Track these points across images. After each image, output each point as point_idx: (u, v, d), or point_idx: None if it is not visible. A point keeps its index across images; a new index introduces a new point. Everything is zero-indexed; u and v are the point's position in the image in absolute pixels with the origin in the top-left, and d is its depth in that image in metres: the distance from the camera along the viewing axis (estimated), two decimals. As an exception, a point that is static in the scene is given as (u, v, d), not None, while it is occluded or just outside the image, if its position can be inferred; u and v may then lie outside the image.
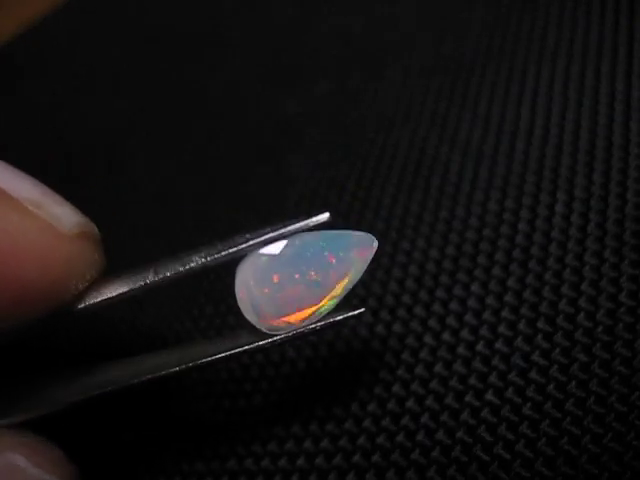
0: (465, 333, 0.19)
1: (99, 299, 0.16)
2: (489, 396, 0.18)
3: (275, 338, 0.16)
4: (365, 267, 0.16)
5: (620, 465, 0.16)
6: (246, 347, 0.16)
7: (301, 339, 0.16)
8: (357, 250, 0.16)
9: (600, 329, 0.18)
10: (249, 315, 0.16)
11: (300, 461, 0.18)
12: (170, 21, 0.36)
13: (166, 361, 0.17)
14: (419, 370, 0.19)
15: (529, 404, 0.17)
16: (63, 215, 0.15)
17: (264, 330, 0.16)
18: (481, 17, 0.28)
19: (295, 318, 0.16)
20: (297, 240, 0.16)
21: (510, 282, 0.19)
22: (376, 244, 0.17)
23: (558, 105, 0.23)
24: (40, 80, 0.35)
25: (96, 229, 0.16)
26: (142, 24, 0.37)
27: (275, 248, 0.16)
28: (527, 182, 0.22)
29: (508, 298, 0.19)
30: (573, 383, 0.17)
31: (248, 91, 0.30)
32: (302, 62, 0.30)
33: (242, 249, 0.16)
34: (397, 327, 0.20)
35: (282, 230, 0.16)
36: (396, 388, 0.19)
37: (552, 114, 0.23)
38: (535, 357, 0.18)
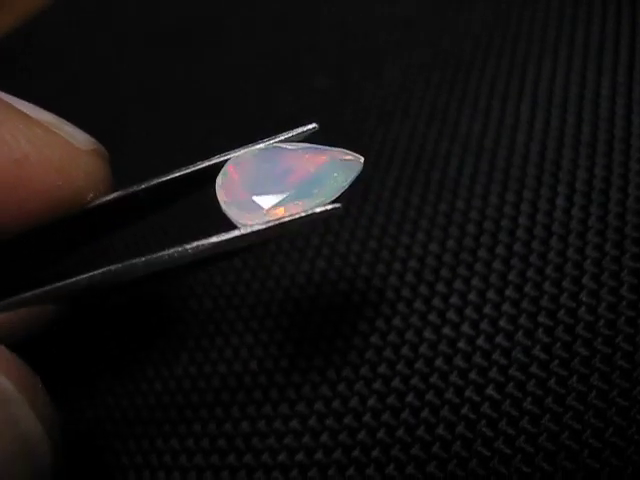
0: (466, 327, 0.19)
1: (99, 201, 0.17)
2: (490, 390, 0.18)
3: (253, 229, 0.15)
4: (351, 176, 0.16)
5: (621, 460, 0.16)
6: (224, 238, 0.15)
7: (277, 230, 0.16)
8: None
9: (601, 323, 0.18)
10: (229, 208, 0.16)
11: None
12: (168, 17, 0.36)
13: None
14: (419, 365, 0.19)
15: (530, 399, 0.17)
16: (78, 134, 0.17)
17: (231, 214, 0.16)
18: (481, 13, 0.28)
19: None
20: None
21: (511, 276, 0.19)
22: (362, 160, 0.16)
23: (559, 99, 0.23)
24: (38, 73, 0.35)
25: (105, 150, 0.18)
26: (140, 20, 0.37)
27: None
28: (528, 175, 0.21)
29: (509, 292, 0.19)
30: (574, 377, 0.17)
31: (246, 87, 0.30)
32: (301, 57, 0.30)
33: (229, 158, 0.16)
34: (397, 321, 0.20)
35: (271, 140, 0.16)
36: (395, 383, 0.19)
37: (553, 107, 0.23)
38: (536, 351, 0.18)
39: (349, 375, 0.19)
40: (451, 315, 0.19)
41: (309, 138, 0.17)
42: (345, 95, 0.27)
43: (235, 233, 0.15)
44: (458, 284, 0.20)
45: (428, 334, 0.19)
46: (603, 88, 0.23)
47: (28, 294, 0.17)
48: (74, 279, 0.16)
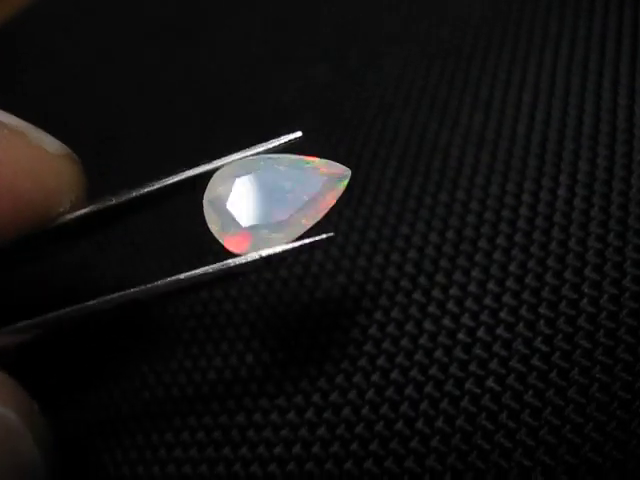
0: (466, 319, 0.18)
1: (76, 214, 0.17)
2: (490, 383, 0.17)
3: (240, 259, 0.15)
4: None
5: (623, 453, 0.16)
6: (206, 269, 0.16)
7: (267, 260, 0.16)
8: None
9: (604, 315, 0.17)
10: (213, 223, 0.16)
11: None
12: (166, 7, 0.36)
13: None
14: (418, 357, 0.18)
15: (531, 391, 0.17)
16: (47, 139, 0.17)
17: (223, 243, 0.16)
18: (482, 3, 0.27)
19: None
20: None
21: (512, 267, 0.19)
22: (348, 173, 0.16)
23: (561, 89, 0.23)
24: (36, 65, 0.35)
25: (77, 157, 0.17)
26: (138, 10, 0.36)
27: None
28: (529, 166, 0.21)
29: (510, 283, 0.19)
30: (576, 370, 0.17)
31: (244, 76, 0.30)
32: (299, 46, 0.29)
33: (216, 168, 0.16)
34: (396, 313, 0.19)
35: (256, 149, 0.16)
36: (394, 375, 0.18)
37: (555, 98, 0.23)
38: (537, 343, 0.17)
39: (347, 368, 0.19)
40: (451, 306, 0.19)
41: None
42: (345, 86, 0.26)
43: (228, 263, 0.15)
44: (458, 275, 0.19)
45: (428, 325, 0.19)
46: (605, 79, 0.22)
47: (23, 323, 0.16)
48: (70, 308, 0.16)
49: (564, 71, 0.23)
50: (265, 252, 0.15)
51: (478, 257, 0.20)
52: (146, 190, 0.17)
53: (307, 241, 0.15)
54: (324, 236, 0.15)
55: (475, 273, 0.19)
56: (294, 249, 0.15)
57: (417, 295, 0.19)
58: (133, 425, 0.20)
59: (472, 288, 0.19)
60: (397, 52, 0.26)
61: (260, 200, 0.16)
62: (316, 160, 0.16)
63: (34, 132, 0.16)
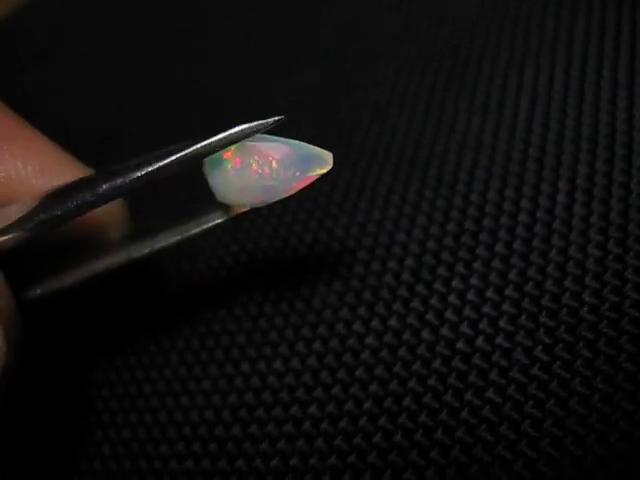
0: (464, 327, 0.18)
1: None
2: (490, 394, 0.17)
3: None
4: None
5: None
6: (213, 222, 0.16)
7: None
8: None
9: (604, 323, 0.17)
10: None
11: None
12: (166, 7, 0.35)
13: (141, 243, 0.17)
14: (416, 367, 0.18)
15: (531, 402, 0.17)
16: None
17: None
18: (478, 6, 0.27)
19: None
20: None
21: (511, 275, 0.19)
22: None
23: (559, 93, 0.22)
24: (36, 61, 0.34)
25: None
26: (138, 10, 0.36)
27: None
28: (528, 170, 0.21)
29: (509, 291, 0.18)
30: (577, 380, 0.17)
31: (238, 80, 0.29)
32: (293, 50, 0.29)
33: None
34: (393, 322, 0.19)
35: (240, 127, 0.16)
36: (392, 386, 0.18)
37: (553, 101, 0.22)
38: (537, 352, 0.17)
39: (344, 378, 0.19)
40: (449, 315, 0.19)
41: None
42: (340, 90, 0.26)
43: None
44: (456, 283, 0.19)
45: (426, 335, 0.18)
46: (604, 81, 0.22)
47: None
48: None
49: (562, 74, 0.23)
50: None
51: (477, 265, 0.19)
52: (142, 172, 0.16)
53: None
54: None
55: (474, 281, 0.19)
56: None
57: (415, 303, 0.19)
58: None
59: (471, 296, 0.19)
60: (394, 54, 0.26)
61: None
62: None
63: None
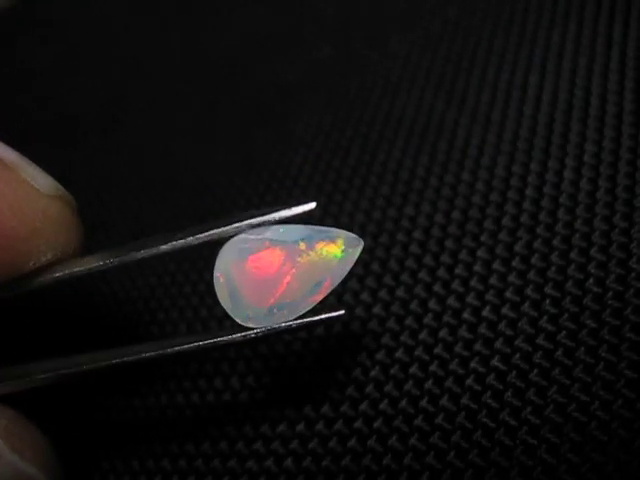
0: (471, 298, 0.18)
1: (76, 269, 0.16)
2: (495, 362, 0.17)
3: (249, 332, 0.16)
4: (348, 268, 0.16)
5: (629, 431, 0.15)
6: (219, 339, 0.16)
7: (276, 336, 0.16)
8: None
9: (610, 295, 0.17)
10: (224, 301, 0.16)
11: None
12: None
13: (144, 349, 0.16)
14: (423, 336, 0.18)
15: (536, 370, 0.17)
16: (39, 176, 0.16)
17: (237, 320, 0.16)
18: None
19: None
20: (281, 229, 0.16)
21: (517, 247, 0.19)
22: (362, 245, 0.16)
23: (568, 71, 0.23)
24: (37, 43, 0.34)
25: (73, 200, 0.16)
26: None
27: (258, 233, 0.16)
28: (535, 148, 0.21)
29: (515, 263, 0.19)
30: (582, 349, 0.17)
31: (248, 57, 0.29)
32: (303, 28, 0.29)
33: (225, 232, 0.16)
34: (400, 292, 0.19)
35: (267, 217, 0.16)
36: (399, 354, 0.18)
37: (561, 80, 0.22)
38: (543, 323, 0.17)
39: (351, 345, 0.19)
40: (456, 286, 0.19)
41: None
42: (350, 66, 0.26)
43: (233, 336, 0.16)
44: (463, 255, 0.19)
45: (433, 305, 0.19)
46: (612, 61, 0.22)
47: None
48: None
49: (571, 53, 0.23)
50: (271, 326, 0.16)
51: (484, 237, 0.19)
52: (148, 252, 0.16)
53: (316, 318, 0.16)
54: (334, 314, 0.16)
55: (480, 253, 0.19)
56: (299, 326, 0.16)
57: (422, 274, 0.19)
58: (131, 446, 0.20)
59: (477, 268, 0.19)
60: (403, 32, 0.26)
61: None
62: (329, 244, 0.16)
63: (26, 168, 0.16)
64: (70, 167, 0.26)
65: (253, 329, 0.16)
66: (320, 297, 0.16)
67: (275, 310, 0.15)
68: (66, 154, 0.19)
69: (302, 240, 0.15)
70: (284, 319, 0.16)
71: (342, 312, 0.16)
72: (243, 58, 0.29)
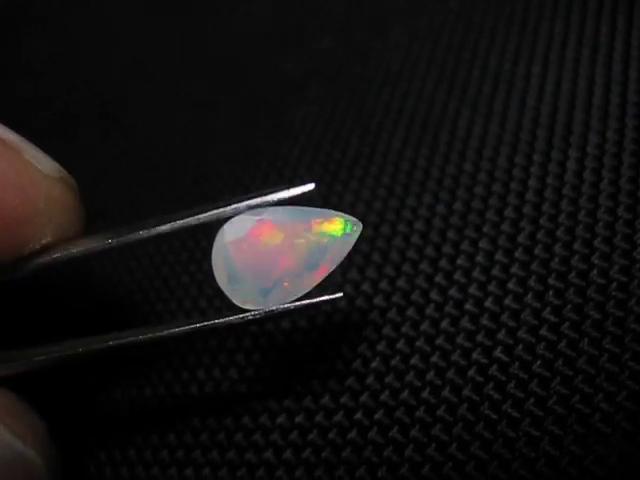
0: (473, 289, 0.18)
1: (75, 250, 0.16)
2: (497, 353, 0.17)
3: (246, 314, 0.16)
4: (347, 250, 0.16)
5: (633, 423, 0.15)
6: (217, 320, 0.16)
7: (273, 318, 0.16)
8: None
9: (614, 286, 0.17)
10: (222, 282, 0.15)
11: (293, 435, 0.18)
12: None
13: (141, 332, 0.16)
14: (425, 327, 0.18)
15: (539, 361, 0.17)
16: (42, 158, 0.16)
17: (235, 302, 0.16)
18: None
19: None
20: (280, 210, 0.16)
21: (520, 238, 0.19)
22: (360, 227, 0.16)
23: (571, 61, 0.22)
24: (38, 35, 0.34)
25: (75, 182, 0.16)
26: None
27: (256, 213, 0.16)
28: (538, 138, 0.21)
29: (518, 254, 0.18)
30: (585, 340, 0.17)
31: (249, 48, 0.29)
32: (304, 19, 0.29)
33: (223, 213, 0.16)
34: (401, 283, 0.19)
35: (266, 198, 0.16)
36: (400, 345, 0.18)
37: (564, 70, 0.22)
38: (546, 314, 0.17)
39: (352, 337, 0.19)
40: (458, 277, 0.19)
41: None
42: (351, 56, 0.26)
43: (230, 319, 0.16)
44: (465, 246, 0.19)
45: (434, 296, 0.18)
46: (616, 51, 0.22)
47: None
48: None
49: (575, 42, 0.23)
50: (269, 308, 0.15)
51: (486, 228, 0.19)
52: (148, 232, 0.16)
53: (314, 300, 0.16)
54: (332, 296, 0.16)
55: (483, 244, 0.19)
56: (297, 308, 0.16)
57: (424, 265, 0.19)
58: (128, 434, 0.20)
59: (479, 259, 0.19)
60: (405, 22, 0.26)
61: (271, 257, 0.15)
62: (327, 224, 0.15)
63: (30, 150, 0.16)
64: (70, 162, 0.26)
65: (251, 311, 0.15)
66: (319, 278, 0.15)
67: (273, 291, 0.15)
68: (66, 152, 0.19)
69: (300, 221, 0.15)
70: (282, 301, 0.15)
71: (340, 294, 0.16)
72: (244, 50, 0.29)
